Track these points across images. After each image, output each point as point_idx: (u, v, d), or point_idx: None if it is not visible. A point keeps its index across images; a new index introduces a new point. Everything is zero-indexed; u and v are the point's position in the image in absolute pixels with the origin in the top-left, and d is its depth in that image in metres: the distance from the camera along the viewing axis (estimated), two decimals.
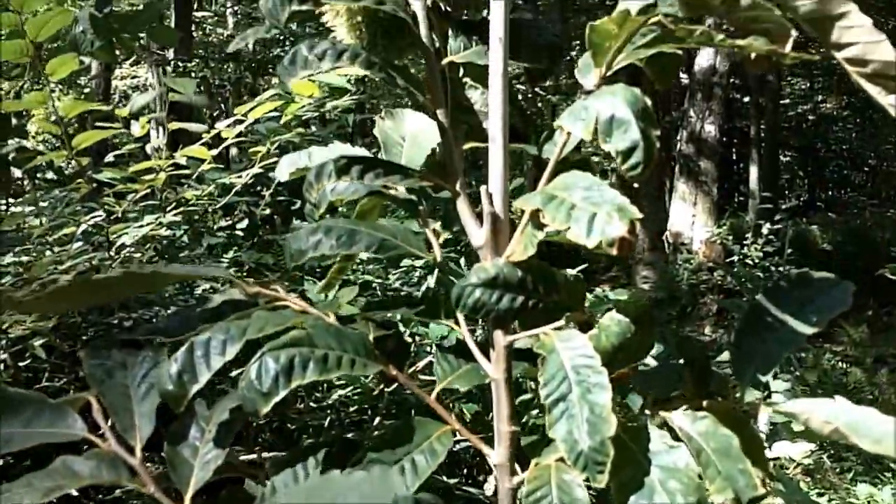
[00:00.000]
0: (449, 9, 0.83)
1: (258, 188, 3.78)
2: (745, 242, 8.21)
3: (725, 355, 4.58)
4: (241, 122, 2.74)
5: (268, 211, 4.00)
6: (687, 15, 0.73)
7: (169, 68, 11.31)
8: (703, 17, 0.78)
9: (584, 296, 0.77)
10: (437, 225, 0.89)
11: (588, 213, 0.65)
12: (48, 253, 2.91)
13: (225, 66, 14.42)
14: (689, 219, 9.97)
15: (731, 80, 11.35)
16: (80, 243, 2.81)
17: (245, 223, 3.93)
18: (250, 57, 14.88)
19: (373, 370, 0.75)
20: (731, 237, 8.66)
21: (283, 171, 0.98)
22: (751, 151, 15.86)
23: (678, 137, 10.59)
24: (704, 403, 0.74)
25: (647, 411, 0.76)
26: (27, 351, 2.58)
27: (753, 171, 14.78)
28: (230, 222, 3.87)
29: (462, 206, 0.80)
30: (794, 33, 0.71)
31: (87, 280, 0.77)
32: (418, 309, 0.86)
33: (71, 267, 2.65)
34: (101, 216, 2.69)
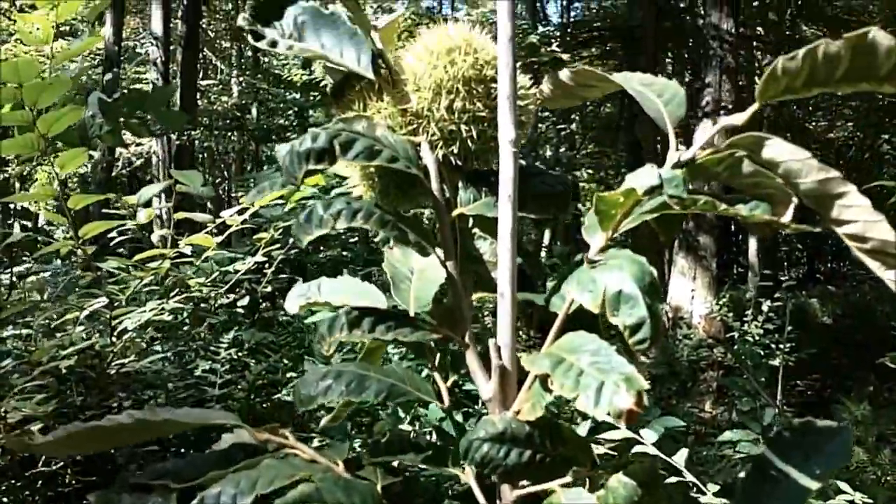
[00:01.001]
0: (459, 162, 0.86)
1: (260, 265, 3.79)
2: (744, 318, 8.20)
3: (727, 434, 4.52)
4: (245, 210, 2.77)
5: (269, 288, 4.02)
6: (692, 180, 0.76)
7: (174, 136, 11.43)
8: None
9: (591, 451, 0.78)
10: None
11: (596, 381, 0.67)
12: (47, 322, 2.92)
13: (229, 135, 14.61)
14: (689, 293, 9.99)
15: None
16: (82, 328, 2.83)
17: (246, 300, 3.95)
18: (254, 125, 15.07)
19: None
20: (730, 314, 8.65)
21: (293, 303, 0.99)
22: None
23: None
24: None
25: None
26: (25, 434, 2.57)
27: (752, 244, 14.85)
28: (231, 299, 3.88)
29: (471, 358, 0.82)
30: (794, 200, 0.73)
31: (99, 427, 0.78)
32: (426, 455, 0.87)
33: (73, 352, 2.67)
34: (104, 302, 2.71)
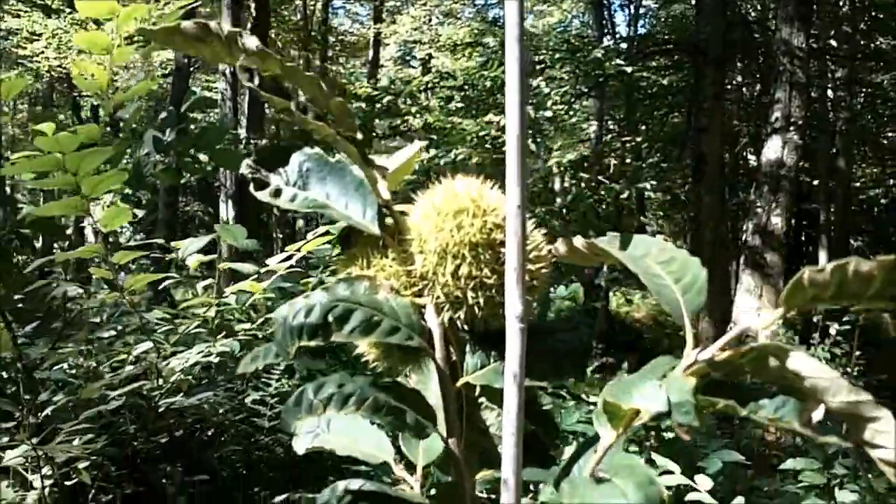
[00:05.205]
0: (466, 326, 0.80)
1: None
2: (811, 342, 7.97)
3: (789, 463, 4.32)
4: (291, 257, 2.75)
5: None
6: (713, 371, 0.70)
7: (241, 146, 11.54)
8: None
9: None
10: None
11: None
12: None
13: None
14: (755, 311, 9.74)
15: (800, 168, 11.14)
16: (131, 367, 2.84)
17: None
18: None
19: None
20: (796, 336, 8.40)
21: (301, 444, 0.95)
22: (820, 236, 15.55)
23: (744, 228, 10.40)
24: None
25: None
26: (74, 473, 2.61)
27: (822, 257, 14.48)
28: None
29: None
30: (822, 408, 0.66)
31: None
32: None
33: (122, 394, 2.69)
34: (149, 346, 2.73)
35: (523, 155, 0.75)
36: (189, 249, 2.32)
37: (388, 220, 0.83)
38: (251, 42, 0.81)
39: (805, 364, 0.61)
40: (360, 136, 0.85)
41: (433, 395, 0.93)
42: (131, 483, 2.97)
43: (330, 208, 0.83)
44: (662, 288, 0.69)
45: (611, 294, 14.49)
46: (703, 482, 3.18)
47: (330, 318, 0.73)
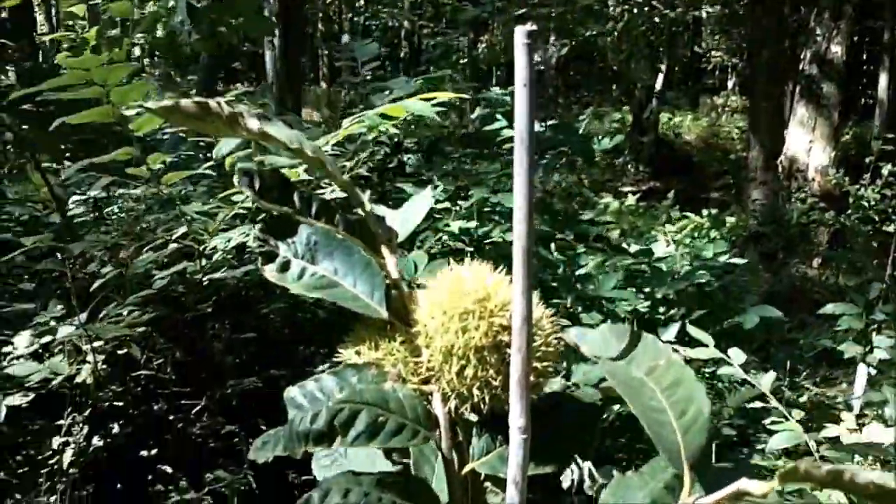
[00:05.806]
0: (473, 414, 0.81)
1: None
2: (862, 183, 7.82)
3: (828, 308, 4.30)
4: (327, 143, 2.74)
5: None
6: None
7: None
8: None
9: None
10: None
11: None
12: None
13: None
14: (807, 145, 9.50)
15: None
16: (174, 245, 2.91)
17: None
18: None
19: None
20: (846, 177, 8.23)
21: (320, 469, 0.99)
22: (882, 56, 14.86)
23: (802, 56, 9.98)
24: None
25: None
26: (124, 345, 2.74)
27: (882, 81, 13.89)
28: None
29: None
30: None
31: None
32: None
33: (166, 275, 2.77)
34: (185, 230, 2.78)
35: (529, 266, 0.73)
36: (223, 149, 2.32)
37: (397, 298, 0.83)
38: (252, 123, 0.78)
39: None
40: (367, 205, 0.84)
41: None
42: (180, 348, 3.10)
43: (339, 286, 0.82)
44: (661, 427, 0.68)
45: (660, 118, 14.21)
46: (736, 355, 3.20)
47: (336, 424, 0.74)
